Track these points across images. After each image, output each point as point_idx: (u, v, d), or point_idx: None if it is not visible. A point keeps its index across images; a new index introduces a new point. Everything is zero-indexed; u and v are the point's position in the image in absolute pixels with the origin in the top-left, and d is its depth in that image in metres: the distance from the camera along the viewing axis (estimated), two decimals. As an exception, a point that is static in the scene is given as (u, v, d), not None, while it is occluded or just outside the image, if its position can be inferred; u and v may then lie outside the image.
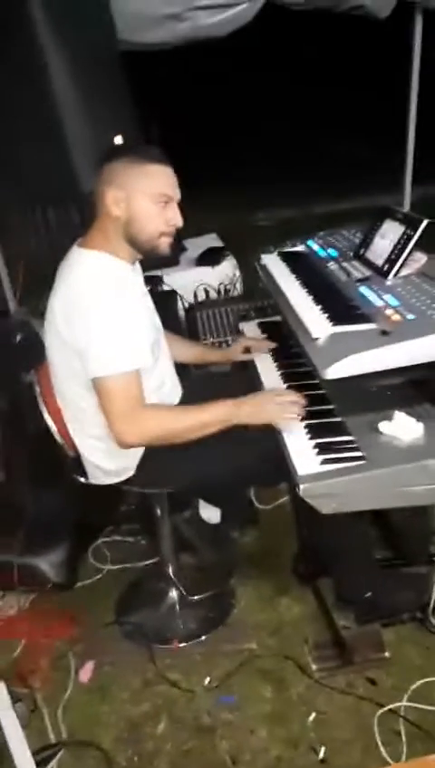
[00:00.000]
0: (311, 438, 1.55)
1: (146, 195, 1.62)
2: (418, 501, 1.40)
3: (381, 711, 1.76)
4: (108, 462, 1.79)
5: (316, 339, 1.51)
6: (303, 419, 1.63)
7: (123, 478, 1.82)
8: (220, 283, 3.13)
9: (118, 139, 2.39)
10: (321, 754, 1.70)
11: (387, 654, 1.92)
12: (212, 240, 3.68)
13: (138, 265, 1.81)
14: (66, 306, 1.58)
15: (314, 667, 1.93)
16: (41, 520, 2.26)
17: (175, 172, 1.67)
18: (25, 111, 2.42)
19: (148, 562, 2.42)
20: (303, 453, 1.51)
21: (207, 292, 3.11)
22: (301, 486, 1.38)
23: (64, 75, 2.34)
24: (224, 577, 2.26)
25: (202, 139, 8.42)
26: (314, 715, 1.80)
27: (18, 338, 2.46)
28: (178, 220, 1.68)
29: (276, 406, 1.64)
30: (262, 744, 1.75)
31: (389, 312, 1.52)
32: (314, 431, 1.58)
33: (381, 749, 1.67)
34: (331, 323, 1.55)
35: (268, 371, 2.01)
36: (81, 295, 1.56)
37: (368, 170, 6.53)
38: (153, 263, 2.97)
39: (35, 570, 2.23)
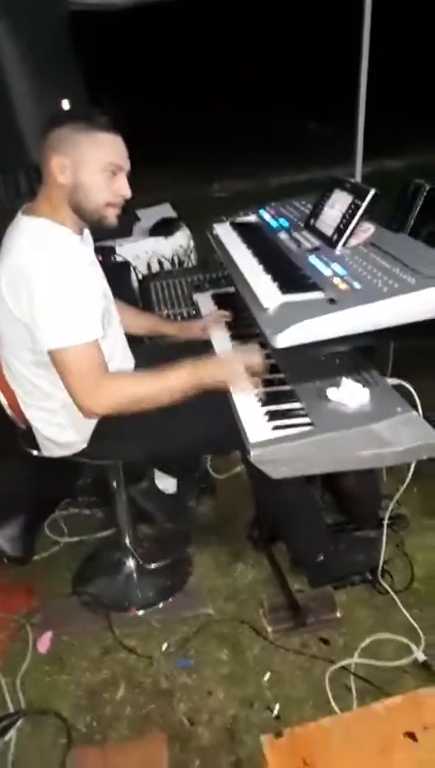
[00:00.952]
0: (262, 406, 1.58)
1: (93, 163, 1.58)
2: (364, 464, 1.43)
3: (332, 668, 1.82)
4: (59, 435, 1.78)
5: (266, 308, 1.53)
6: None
7: (76, 451, 1.81)
8: (174, 254, 3.11)
9: (65, 104, 2.34)
10: (275, 712, 1.76)
11: (339, 614, 1.99)
12: (165, 210, 3.63)
13: (87, 235, 1.78)
14: (11, 276, 1.54)
15: (269, 629, 1.98)
16: (-5, 494, 2.24)
17: (128, 142, 1.63)
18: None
19: (105, 534, 2.43)
20: (254, 420, 1.53)
21: (160, 263, 3.09)
22: (252, 452, 1.41)
23: (8, 39, 2.28)
24: (181, 545, 2.30)
25: (157, 109, 8.26)
26: (268, 674, 1.85)
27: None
28: (126, 191, 1.64)
29: (238, 369, 1.66)
30: (219, 704, 1.80)
31: (336, 280, 1.55)
32: (265, 399, 1.61)
33: (333, 704, 1.73)
34: (280, 292, 1.56)
35: (221, 342, 2.02)
36: (25, 264, 1.52)
37: (323, 143, 6.54)
38: (105, 233, 2.92)
39: (-10, 544, 2.22)
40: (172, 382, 1.63)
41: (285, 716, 1.74)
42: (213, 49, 9.40)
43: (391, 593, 2.02)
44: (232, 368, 1.68)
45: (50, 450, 1.84)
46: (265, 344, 1.75)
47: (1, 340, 1.69)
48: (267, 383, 1.68)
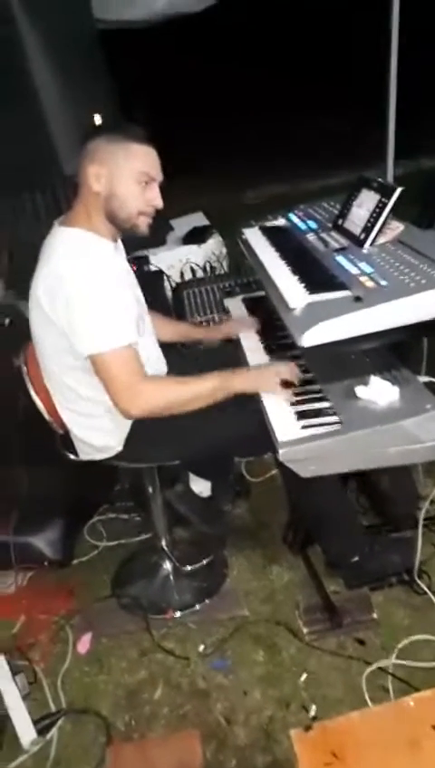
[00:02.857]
0: (291, 406, 1.59)
1: (128, 173, 1.63)
2: (394, 461, 1.43)
3: (369, 669, 1.81)
4: (96, 438, 1.83)
5: (293, 308, 1.54)
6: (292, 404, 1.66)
7: (112, 454, 1.85)
8: (206, 261, 3.15)
9: (97, 119, 2.40)
10: (312, 712, 1.75)
11: (375, 615, 1.97)
12: (198, 219, 3.69)
13: (120, 244, 1.83)
14: (49, 284, 1.60)
15: (304, 630, 1.97)
16: (35, 499, 2.30)
17: (161, 152, 1.69)
18: (3, 97, 2.43)
19: (142, 537, 2.47)
20: (283, 420, 1.55)
21: (193, 270, 3.13)
22: (280, 451, 1.42)
23: (41, 57, 2.35)
24: (217, 548, 2.31)
25: (189, 120, 8.36)
26: (305, 675, 1.85)
27: (6, 322, 2.48)
28: (158, 201, 1.69)
29: (272, 379, 1.69)
30: (255, 704, 1.80)
31: (363, 278, 1.55)
32: (294, 400, 1.62)
33: (370, 705, 1.72)
34: (307, 292, 1.57)
35: (252, 344, 2.04)
36: (62, 272, 1.57)
37: (355, 144, 6.51)
38: (140, 243, 2.99)
39: (31, 548, 2.28)
40: (206, 389, 1.67)
41: (322, 717, 1.73)
42: (241, 58, 9.49)
43: (429, 593, 1.99)
44: (265, 380, 1.70)
45: (87, 454, 1.89)
46: (296, 351, 1.77)
47: (40, 345, 1.75)
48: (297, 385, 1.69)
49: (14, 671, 1.88)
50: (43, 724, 1.79)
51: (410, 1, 3.15)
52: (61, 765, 1.73)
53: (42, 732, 1.77)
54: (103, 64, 2.84)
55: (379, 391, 1.47)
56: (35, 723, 1.77)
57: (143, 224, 1.71)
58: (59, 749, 1.75)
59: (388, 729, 1.03)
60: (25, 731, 1.75)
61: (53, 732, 1.79)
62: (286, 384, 1.68)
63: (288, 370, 1.70)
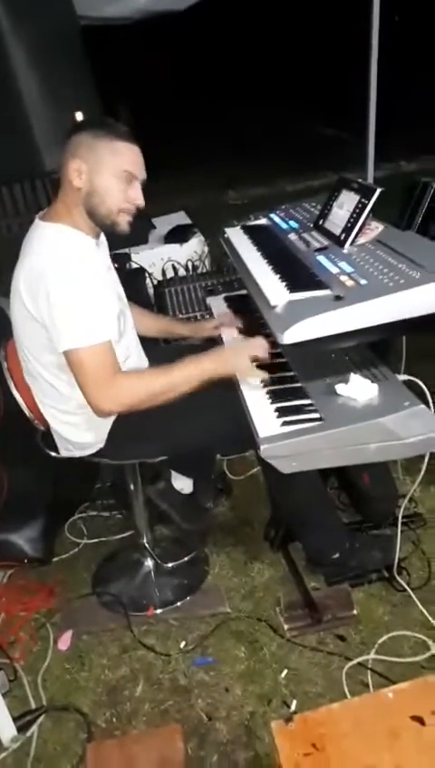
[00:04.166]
0: (272, 403, 1.61)
1: (110, 169, 1.63)
2: (373, 458, 1.45)
3: (349, 664, 1.83)
4: (77, 435, 1.82)
5: (274, 306, 1.55)
6: (266, 386, 1.68)
7: (93, 451, 1.85)
8: (188, 260, 3.15)
9: (78, 116, 2.39)
10: (293, 707, 1.76)
11: (356, 612, 1.99)
12: (180, 218, 3.69)
13: (103, 240, 1.83)
14: (29, 279, 1.59)
15: (285, 627, 1.99)
16: (16, 496, 2.28)
17: (145, 151, 1.69)
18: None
19: (123, 535, 2.47)
20: (264, 417, 1.56)
21: (175, 268, 3.13)
22: (261, 447, 1.44)
23: (23, 53, 2.34)
24: (198, 545, 2.32)
25: (172, 119, 8.37)
26: (285, 671, 1.86)
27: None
28: (139, 200, 1.69)
29: (245, 360, 1.70)
30: (237, 700, 1.81)
31: (343, 278, 1.57)
32: (275, 396, 1.64)
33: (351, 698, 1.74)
34: (288, 291, 1.59)
35: (232, 339, 2.05)
36: (43, 268, 1.56)
37: (337, 147, 6.57)
38: (122, 241, 2.98)
39: (11, 545, 2.27)
40: (179, 376, 1.67)
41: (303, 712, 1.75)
42: (226, 57, 9.51)
43: (408, 590, 2.02)
44: (237, 358, 1.72)
45: (68, 451, 1.89)
46: (273, 340, 1.78)
47: (20, 342, 1.74)
48: (277, 381, 1.70)
49: (-6, 669, 1.87)
50: (23, 721, 1.79)
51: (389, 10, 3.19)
52: (41, 762, 1.72)
53: (22, 729, 1.77)
54: (86, 62, 2.83)
55: (359, 389, 1.49)
56: (15, 720, 1.77)
57: (123, 221, 1.71)
58: (39, 746, 1.75)
59: (367, 720, 1.04)
60: (5, 728, 1.74)
61: (34, 729, 1.79)
62: (261, 366, 1.70)
63: (259, 347, 1.71)
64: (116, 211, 1.68)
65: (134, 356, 1.89)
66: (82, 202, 1.66)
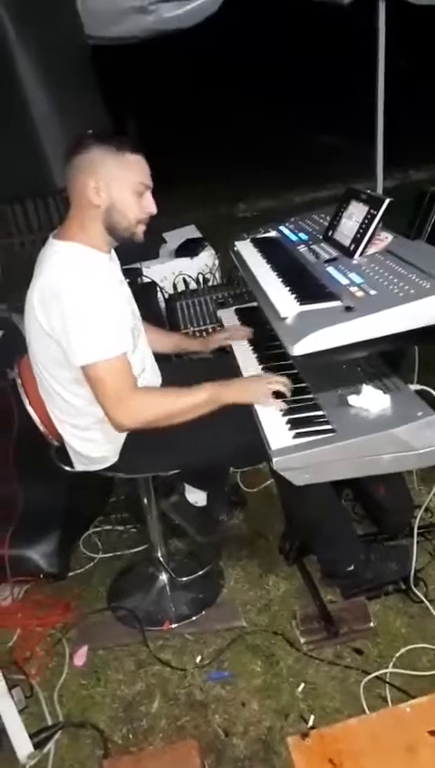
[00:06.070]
0: (284, 415, 1.60)
1: (125, 184, 1.66)
2: (386, 469, 1.44)
3: (367, 678, 1.81)
4: (91, 449, 1.83)
5: (285, 318, 1.56)
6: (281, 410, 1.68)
7: (107, 465, 1.85)
8: (199, 273, 3.17)
9: (88, 134, 2.42)
10: (310, 722, 1.75)
11: (373, 624, 1.97)
12: (190, 231, 3.71)
13: (114, 255, 1.85)
14: (44, 296, 1.60)
15: (302, 640, 1.97)
16: (31, 511, 2.29)
17: (153, 165, 1.71)
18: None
19: (138, 549, 2.46)
20: (277, 429, 1.56)
21: (186, 282, 3.15)
22: (274, 460, 1.43)
23: (33, 71, 2.38)
24: (212, 558, 2.31)
25: (181, 134, 8.43)
26: (302, 685, 1.85)
27: (0, 334, 2.49)
28: (152, 208, 1.73)
29: (263, 390, 1.70)
30: (254, 715, 1.80)
31: (353, 289, 1.57)
32: (287, 409, 1.63)
33: (368, 714, 1.72)
34: (298, 302, 1.59)
35: (245, 354, 2.06)
36: (57, 285, 1.58)
37: (346, 158, 6.58)
38: (134, 256, 3.01)
39: (27, 560, 2.27)
40: (197, 400, 1.68)
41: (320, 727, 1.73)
42: (233, 70, 9.59)
43: (425, 602, 2.00)
44: (256, 391, 1.71)
45: (82, 465, 1.89)
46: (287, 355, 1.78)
47: (35, 358, 1.75)
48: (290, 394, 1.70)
49: (11, 685, 1.86)
50: (39, 738, 1.78)
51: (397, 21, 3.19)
52: (58, 779, 1.72)
53: (38, 745, 1.76)
54: (94, 76, 2.87)
55: (371, 399, 1.49)
56: (32, 736, 1.76)
57: (140, 231, 1.74)
58: (56, 763, 1.74)
59: (385, 735, 1.03)
60: (22, 745, 1.74)
61: (50, 745, 1.78)
62: (278, 395, 1.69)
63: (281, 383, 1.72)
64: (135, 223, 1.71)
65: (149, 370, 1.90)
66: (100, 219, 1.68)
